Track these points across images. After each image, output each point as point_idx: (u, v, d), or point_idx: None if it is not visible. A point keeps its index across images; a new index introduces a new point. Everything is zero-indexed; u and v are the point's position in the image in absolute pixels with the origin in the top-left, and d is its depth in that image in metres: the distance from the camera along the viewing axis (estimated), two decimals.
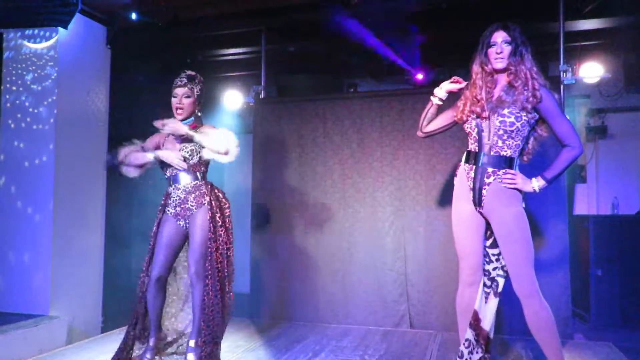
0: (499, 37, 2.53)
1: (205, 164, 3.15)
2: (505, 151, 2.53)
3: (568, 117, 2.61)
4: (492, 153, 2.55)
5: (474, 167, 2.60)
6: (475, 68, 2.62)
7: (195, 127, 3.11)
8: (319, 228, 4.53)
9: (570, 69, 4.01)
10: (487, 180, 2.57)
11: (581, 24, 4.35)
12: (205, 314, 2.94)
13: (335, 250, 4.48)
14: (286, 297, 4.56)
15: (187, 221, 3.09)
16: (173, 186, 3.13)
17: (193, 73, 3.17)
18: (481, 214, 2.63)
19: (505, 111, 2.49)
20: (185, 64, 5.56)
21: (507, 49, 2.51)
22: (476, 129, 2.60)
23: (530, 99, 2.46)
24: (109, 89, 4.53)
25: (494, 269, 2.69)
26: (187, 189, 3.10)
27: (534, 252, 2.54)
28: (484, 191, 2.57)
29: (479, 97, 2.57)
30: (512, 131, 2.49)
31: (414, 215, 4.29)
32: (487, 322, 2.69)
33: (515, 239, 2.52)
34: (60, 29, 4.00)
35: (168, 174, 3.14)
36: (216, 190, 3.16)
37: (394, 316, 4.28)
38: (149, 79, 6.35)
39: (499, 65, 2.53)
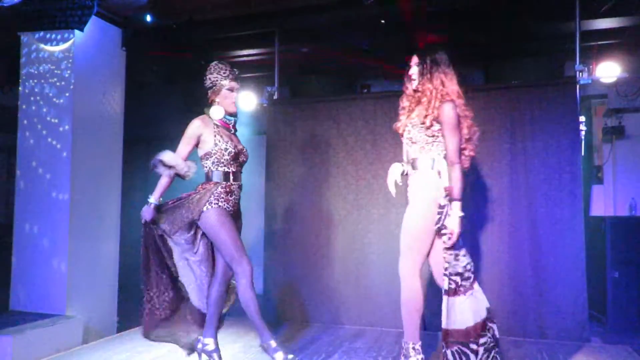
0: (412, 60, 2.85)
1: None
2: (416, 156, 2.79)
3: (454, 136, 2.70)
4: (408, 162, 2.86)
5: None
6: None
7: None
8: (332, 229, 4.52)
9: (586, 69, 3.97)
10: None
11: (598, 23, 4.31)
12: None
13: (348, 251, 4.48)
14: (299, 298, 4.56)
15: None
16: (235, 184, 3.01)
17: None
18: None
19: (408, 122, 2.81)
20: (199, 66, 5.60)
21: (416, 70, 2.81)
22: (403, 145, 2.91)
23: (429, 115, 2.69)
24: (124, 90, 4.57)
25: None
26: (239, 192, 3.06)
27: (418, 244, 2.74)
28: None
29: (399, 114, 2.90)
30: (411, 138, 2.79)
31: None
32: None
33: (403, 232, 2.80)
34: (77, 32, 4.04)
35: (234, 169, 3.00)
36: None
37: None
38: (164, 80, 6.42)
39: (411, 86, 2.83)
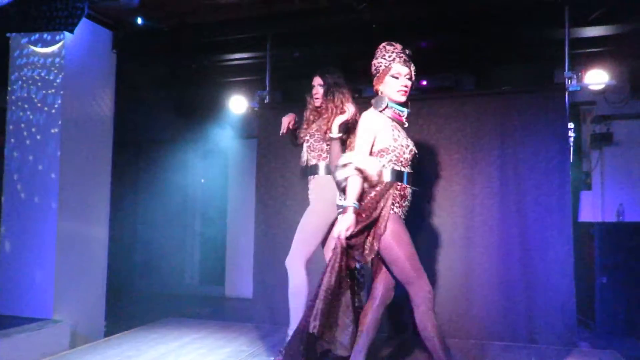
0: (316, 81, 3.31)
1: None
2: (315, 162, 3.25)
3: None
4: (308, 167, 3.33)
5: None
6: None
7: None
8: None
9: (575, 76, 4.00)
10: None
11: (587, 31, 4.35)
12: None
13: None
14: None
15: None
16: (409, 187, 2.58)
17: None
18: None
19: (307, 133, 3.32)
20: (191, 69, 5.59)
21: (320, 90, 3.27)
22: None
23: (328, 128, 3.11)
24: (114, 93, 4.54)
25: None
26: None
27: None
28: None
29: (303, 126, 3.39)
30: (310, 146, 3.30)
31: (422, 221, 4.27)
32: None
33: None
34: (67, 33, 4.02)
35: (409, 171, 2.56)
36: None
37: (399, 322, 4.25)
38: (155, 83, 6.40)
39: (314, 102, 3.33)
